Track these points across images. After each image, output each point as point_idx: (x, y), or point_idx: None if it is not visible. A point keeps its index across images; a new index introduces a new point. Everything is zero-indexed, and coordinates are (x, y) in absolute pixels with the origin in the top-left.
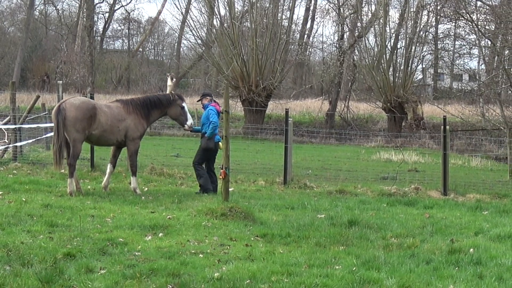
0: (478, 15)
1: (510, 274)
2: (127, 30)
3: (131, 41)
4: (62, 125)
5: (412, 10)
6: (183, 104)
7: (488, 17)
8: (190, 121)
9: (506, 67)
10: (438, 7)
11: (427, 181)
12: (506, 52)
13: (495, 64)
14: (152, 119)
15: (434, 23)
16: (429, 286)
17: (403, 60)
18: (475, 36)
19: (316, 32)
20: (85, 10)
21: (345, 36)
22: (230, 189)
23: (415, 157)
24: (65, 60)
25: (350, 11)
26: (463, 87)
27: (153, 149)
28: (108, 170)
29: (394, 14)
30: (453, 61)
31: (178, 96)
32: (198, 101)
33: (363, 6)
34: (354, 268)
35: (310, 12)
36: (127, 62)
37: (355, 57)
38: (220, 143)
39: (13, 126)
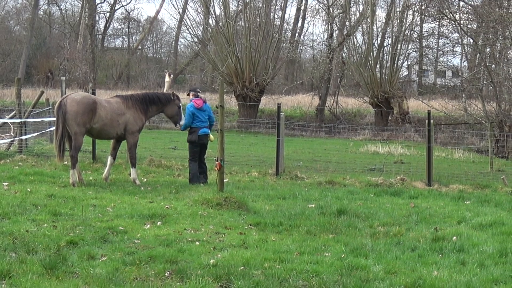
0: (461, 15)
1: (491, 261)
2: (127, 29)
3: (130, 39)
4: (63, 119)
5: (398, 9)
6: (180, 105)
7: (470, 17)
8: (183, 121)
9: (487, 64)
10: (423, 7)
11: (412, 172)
12: (487, 50)
13: (476, 61)
14: (150, 114)
15: (419, 22)
16: (414, 272)
17: (389, 58)
18: (458, 35)
19: (306, 31)
20: (87, 9)
21: (334, 34)
22: (225, 180)
23: (401, 150)
24: (68, 57)
25: (339, 10)
26: (446, 83)
27: (151, 142)
28: (108, 162)
29: (381, 14)
30: (437, 58)
31: (177, 96)
32: (187, 95)
33: (351, 6)
34: (343, 255)
35: (301, 11)
36: (127, 59)
37: (343, 54)
38: (210, 135)
39: (19, 120)
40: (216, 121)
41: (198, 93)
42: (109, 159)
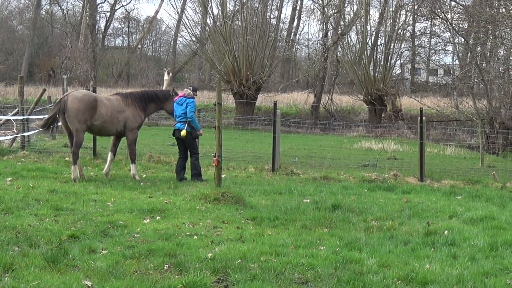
0: (452, 14)
1: (482, 255)
2: (127, 28)
3: (130, 39)
4: (66, 116)
5: (391, 9)
6: None
7: (462, 16)
8: None
9: (478, 63)
10: (415, 7)
11: (405, 168)
12: (478, 48)
13: (468, 59)
14: (149, 111)
15: (411, 22)
16: (407, 265)
17: (382, 56)
18: (449, 34)
19: (302, 30)
20: (88, 9)
21: (329, 33)
22: (222, 176)
23: (394, 146)
24: (69, 56)
25: (333, 10)
26: (438, 81)
27: (151, 138)
28: (108, 158)
29: (374, 14)
30: (429, 57)
31: (175, 92)
32: None
33: (345, 6)
34: (337, 249)
35: (297, 11)
36: (127, 58)
37: (338, 53)
38: (183, 130)
39: (21, 117)
40: (214, 118)
41: (188, 89)
42: (109, 155)
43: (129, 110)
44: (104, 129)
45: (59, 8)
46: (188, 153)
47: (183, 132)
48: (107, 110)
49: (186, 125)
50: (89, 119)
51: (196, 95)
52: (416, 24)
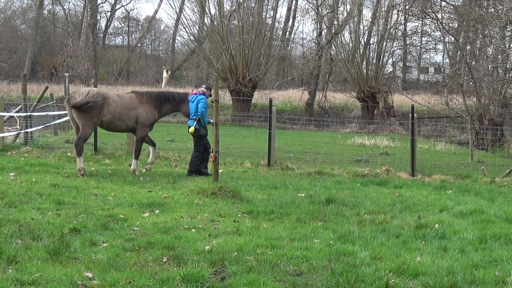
0: (443, 14)
1: (471, 247)
2: (127, 28)
3: (130, 38)
4: (73, 111)
5: (383, 9)
6: None
7: (452, 16)
8: None
9: (468, 61)
10: (407, 7)
11: (397, 163)
12: (468, 47)
13: (458, 58)
14: (164, 111)
15: (403, 21)
16: (398, 257)
17: (375, 55)
18: (440, 33)
19: (297, 29)
20: (89, 9)
21: (323, 33)
22: (219, 171)
23: (386, 142)
24: (71, 54)
25: (327, 10)
26: (429, 79)
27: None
28: (151, 151)
29: (367, 13)
30: (420, 56)
31: None
32: None
33: (339, 5)
34: (331, 241)
35: (292, 11)
36: (127, 57)
37: (332, 52)
38: (191, 127)
39: (24, 114)
40: (211, 115)
41: (203, 87)
42: (151, 148)
43: (142, 107)
44: (113, 124)
45: (61, 8)
46: (196, 148)
47: (191, 129)
48: (116, 106)
49: (196, 122)
50: (95, 115)
51: (210, 95)
52: (408, 24)
